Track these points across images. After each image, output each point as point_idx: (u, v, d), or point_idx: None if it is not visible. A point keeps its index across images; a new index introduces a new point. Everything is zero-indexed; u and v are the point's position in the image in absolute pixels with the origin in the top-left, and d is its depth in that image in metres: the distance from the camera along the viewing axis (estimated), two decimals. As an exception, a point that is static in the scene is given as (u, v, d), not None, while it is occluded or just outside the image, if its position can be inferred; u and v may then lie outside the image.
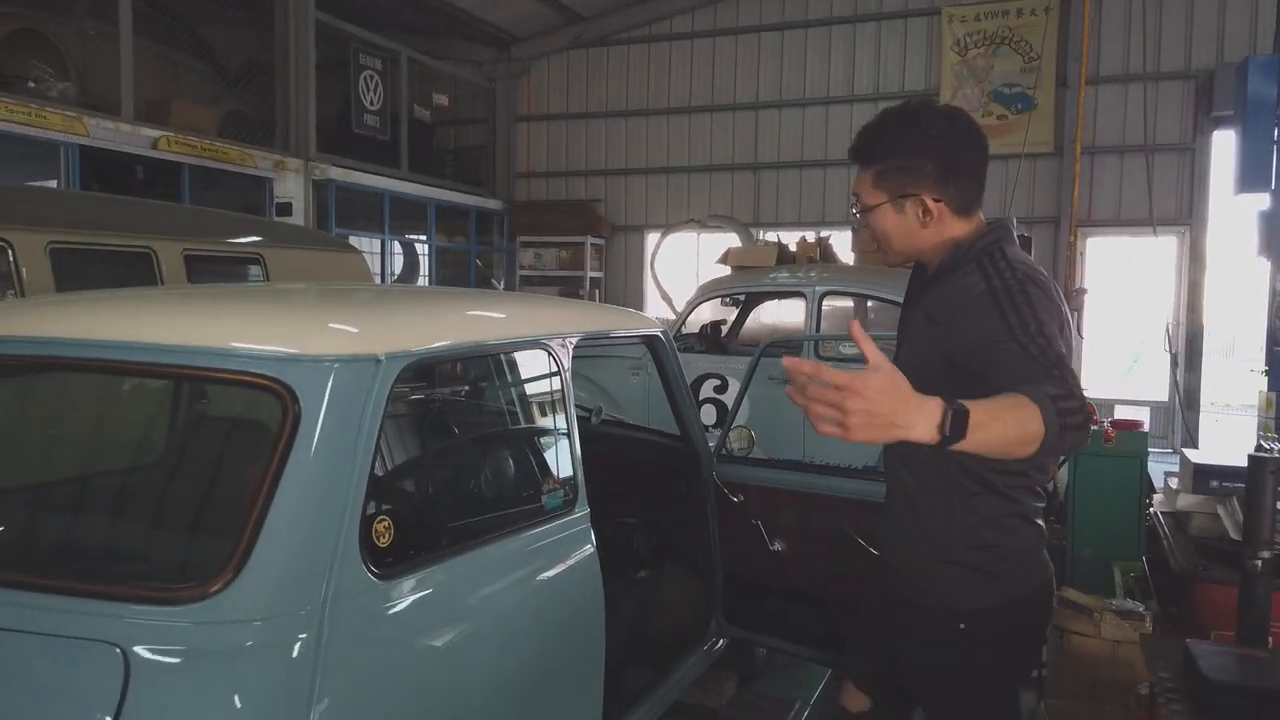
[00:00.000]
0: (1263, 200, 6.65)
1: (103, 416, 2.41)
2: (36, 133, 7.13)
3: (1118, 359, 11.58)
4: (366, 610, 1.77)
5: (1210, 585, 1.88)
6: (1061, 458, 1.61)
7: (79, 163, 7.49)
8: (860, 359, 1.31)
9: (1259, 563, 1.65)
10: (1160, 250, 10.39)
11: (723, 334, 7.11)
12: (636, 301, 12.79)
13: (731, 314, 7.57)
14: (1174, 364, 9.71)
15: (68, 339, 1.97)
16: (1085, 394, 1.52)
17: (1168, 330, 9.54)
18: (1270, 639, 1.64)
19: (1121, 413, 7.50)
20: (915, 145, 1.79)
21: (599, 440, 3.06)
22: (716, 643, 3.40)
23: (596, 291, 13.16)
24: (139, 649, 1.55)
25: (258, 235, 5.19)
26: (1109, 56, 10.75)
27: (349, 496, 1.78)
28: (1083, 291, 7.98)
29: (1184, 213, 10.60)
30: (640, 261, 13.16)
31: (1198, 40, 10.50)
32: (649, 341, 3.15)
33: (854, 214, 1.90)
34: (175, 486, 2.15)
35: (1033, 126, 10.83)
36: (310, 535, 1.71)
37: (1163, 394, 10.40)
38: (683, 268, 12.82)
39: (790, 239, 10.61)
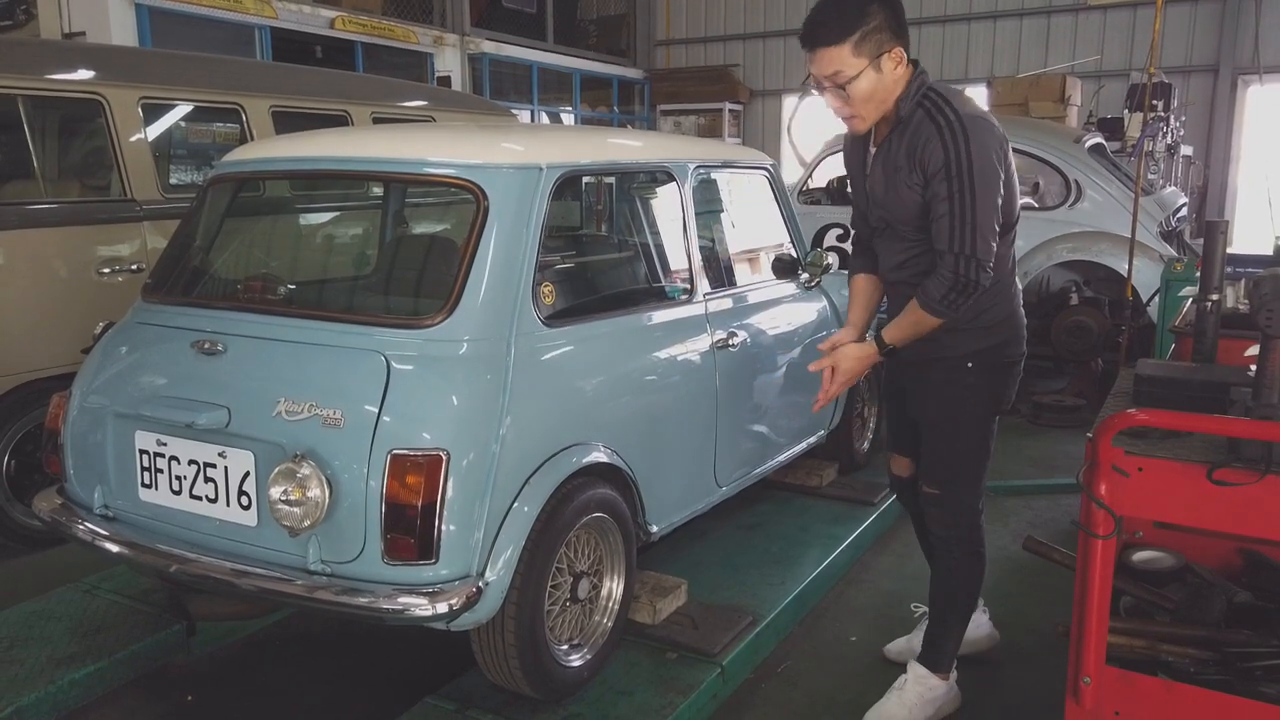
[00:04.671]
0: None
1: (359, 220, 3.25)
2: (235, 16, 8.10)
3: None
4: (537, 346, 2.51)
5: (1188, 338, 2.35)
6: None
7: (270, 43, 8.45)
8: None
9: (1209, 304, 2.13)
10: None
11: (849, 187, 7.48)
12: (773, 165, 13.05)
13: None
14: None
15: (325, 156, 2.75)
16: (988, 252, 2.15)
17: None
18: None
19: None
20: (869, 7, 2.11)
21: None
22: (818, 433, 4.05)
23: (734, 157, 13.47)
24: (394, 356, 2.33)
25: (428, 100, 5.96)
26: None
27: (524, 265, 2.49)
28: (1159, 120, 7.54)
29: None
30: (777, 127, 13.39)
31: None
32: (760, 173, 3.74)
33: (818, 90, 2.24)
34: (412, 257, 2.98)
35: (1196, -33, 10.26)
36: (497, 289, 2.44)
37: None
38: (820, 131, 12.95)
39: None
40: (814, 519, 3.89)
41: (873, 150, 2.36)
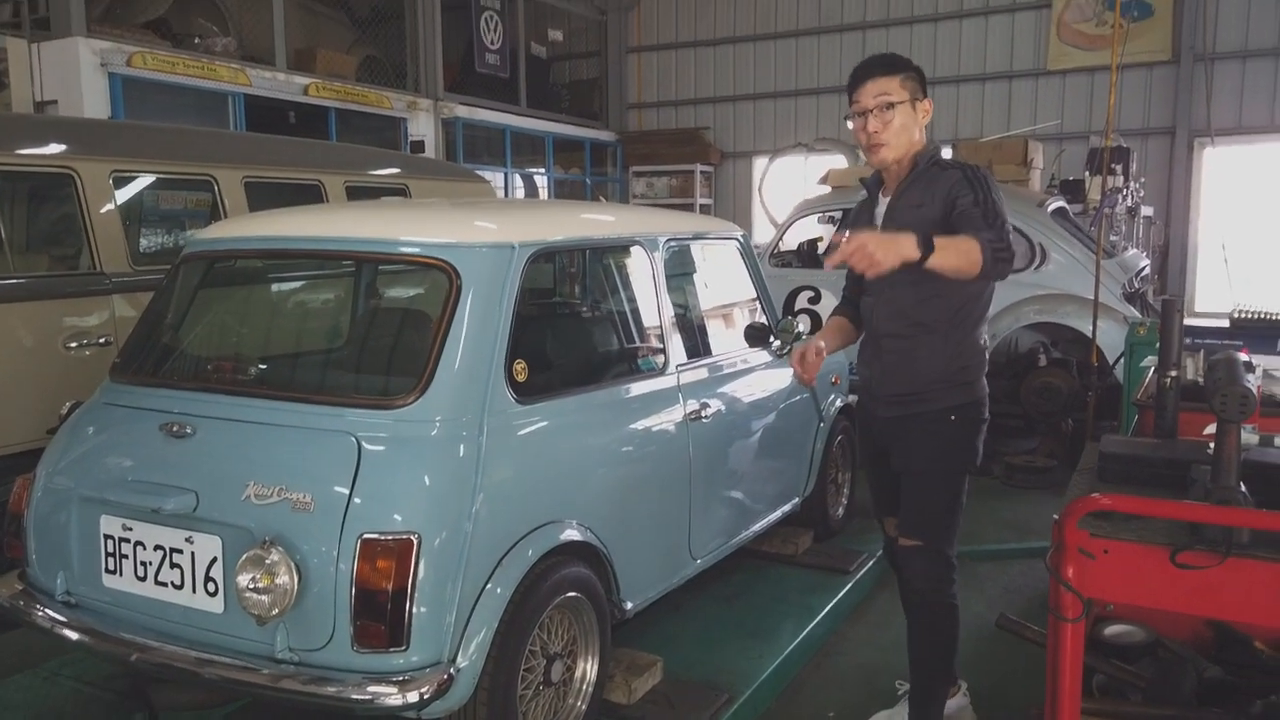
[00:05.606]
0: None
1: (330, 299, 3.25)
2: (210, 84, 8.16)
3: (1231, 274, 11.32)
4: (510, 423, 2.51)
5: (1150, 410, 2.40)
6: (996, 279, 2.40)
7: (244, 110, 8.50)
8: None
9: (1168, 380, 2.17)
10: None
11: (819, 250, 7.59)
12: (744, 226, 13.24)
13: (830, 231, 8.00)
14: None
15: (298, 236, 2.77)
16: (1014, 248, 2.35)
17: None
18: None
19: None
20: (909, 64, 2.59)
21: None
22: (793, 500, 4.05)
23: (706, 217, 13.65)
24: (365, 438, 2.32)
25: (401, 168, 6.01)
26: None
27: (496, 343, 2.50)
28: (1116, 192, 7.95)
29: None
30: (748, 187, 13.59)
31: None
32: (730, 243, 3.80)
33: (853, 123, 2.60)
34: (383, 337, 2.98)
35: (1148, 34, 10.63)
36: (470, 368, 2.45)
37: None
38: (790, 192, 13.16)
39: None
40: (790, 589, 3.88)
41: (884, 201, 2.65)
